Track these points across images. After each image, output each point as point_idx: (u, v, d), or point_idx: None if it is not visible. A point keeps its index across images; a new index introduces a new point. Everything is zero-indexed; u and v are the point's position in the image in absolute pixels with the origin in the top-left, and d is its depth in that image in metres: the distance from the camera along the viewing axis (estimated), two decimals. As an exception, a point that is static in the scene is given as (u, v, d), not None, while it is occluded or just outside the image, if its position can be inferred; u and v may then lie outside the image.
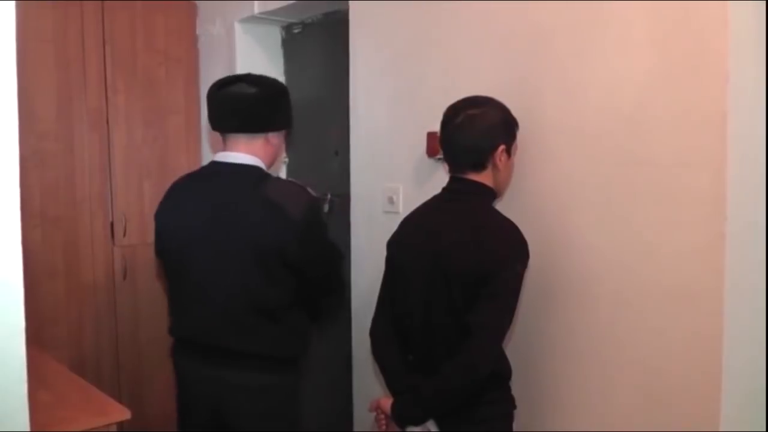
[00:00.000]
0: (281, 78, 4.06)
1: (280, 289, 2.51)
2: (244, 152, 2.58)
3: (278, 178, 2.67)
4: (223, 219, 2.51)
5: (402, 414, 2.28)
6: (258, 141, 2.59)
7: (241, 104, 2.57)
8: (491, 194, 2.29)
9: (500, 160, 2.24)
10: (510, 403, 2.35)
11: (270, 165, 2.66)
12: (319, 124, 3.86)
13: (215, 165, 2.63)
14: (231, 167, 2.58)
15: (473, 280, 2.12)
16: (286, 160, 4.06)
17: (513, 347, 2.45)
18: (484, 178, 2.26)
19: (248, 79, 2.61)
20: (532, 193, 2.46)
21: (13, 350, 1.25)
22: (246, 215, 2.49)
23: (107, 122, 3.93)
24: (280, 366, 2.60)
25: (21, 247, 1.25)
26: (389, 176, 3.04)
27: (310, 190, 2.58)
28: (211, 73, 4.08)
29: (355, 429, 3.36)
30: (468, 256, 2.14)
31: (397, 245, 2.42)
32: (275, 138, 2.63)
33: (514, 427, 2.37)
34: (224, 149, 2.62)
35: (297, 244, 2.45)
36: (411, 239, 2.35)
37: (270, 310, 2.52)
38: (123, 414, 2.57)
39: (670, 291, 2.11)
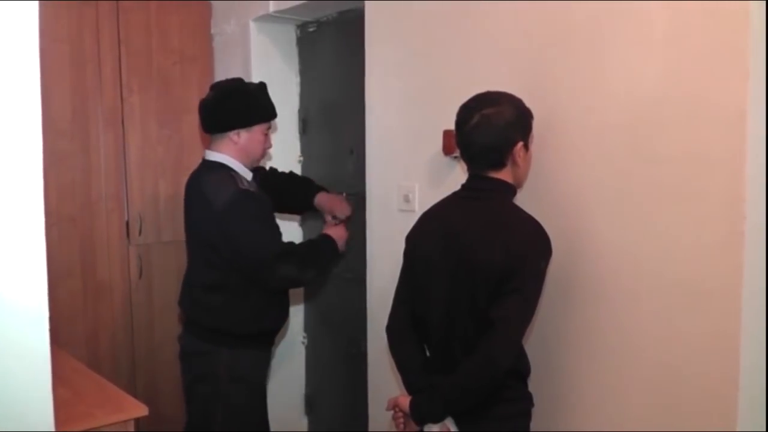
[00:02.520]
0: (295, 77, 4.08)
1: (209, 267, 3.03)
2: (213, 150, 3.08)
3: (217, 173, 3.01)
4: (187, 205, 3.16)
5: (421, 412, 2.27)
6: (223, 140, 3.06)
7: (203, 110, 3.09)
8: (512, 190, 2.29)
9: (519, 156, 2.23)
10: (528, 401, 2.34)
11: (247, 161, 3.10)
12: (334, 123, 3.86)
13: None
14: (204, 163, 3.11)
15: (497, 275, 2.11)
16: (301, 159, 4.07)
17: (530, 345, 2.44)
18: (504, 174, 2.25)
19: (214, 85, 3.18)
20: (548, 190, 2.46)
21: (38, 348, 1.26)
22: (189, 203, 3.12)
23: (122, 122, 3.96)
24: (210, 335, 3.04)
25: (45, 248, 1.26)
26: (405, 175, 3.03)
27: (241, 183, 2.96)
28: (226, 73, 4.08)
29: (370, 426, 3.35)
30: (492, 253, 2.13)
31: (417, 240, 2.41)
32: (238, 136, 3.04)
33: (531, 425, 2.37)
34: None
35: (215, 227, 2.91)
36: (432, 234, 2.34)
37: (205, 284, 3.05)
38: (140, 410, 2.59)
39: (687, 289, 2.09)
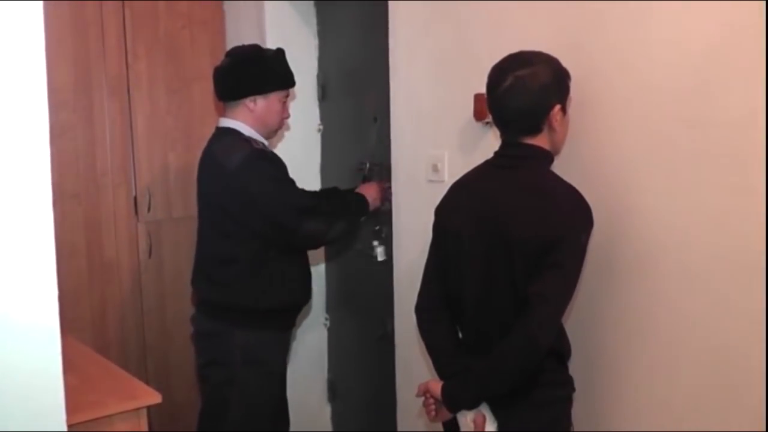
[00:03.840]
0: (314, 40, 4.05)
1: (222, 238, 3.07)
2: (228, 117, 3.13)
3: (230, 137, 3.07)
4: (199, 174, 3.18)
5: (454, 397, 2.27)
6: (237, 107, 3.11)
7: (217, 76, 3.15)
8: (549, 158, 2.27)
9: (556, 120, 2.21)
10: (569, 385, 2.33)
11: (264, 129, 3.16)
12: (355, 89, 3.84)
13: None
14: (217, 130, 3.16)
15: (535, 249, 2.10)
16: (321, 128, 4.06)
17: (571, 324, 2.43)
18: (540, 141, 2.23)
19: (230, 51, 3.23)
20: (589, 158, 2.43)
21: (48, 333, 1.27)
22: (202, 171, 3.16)
23: (128, 90, 3.95)
24: (224, 314, 3.08)
25: (53, 227, 1.26)
26: (433, 142, 3.02)
27: (256, 143, 3.06)
28: (238, 36, 4.07)
29: (399, 414, 3.36)
30: (530, 224, 2.11)
31: (447, 212, 2.39)
32: (254, 103, 3.09)
33: (573, 411, 2.36)
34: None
35: (230, 190, 2.97)
36: (464, 206, 2.32)
37: (218, 257, 3.09)
38: (153, 397, 2.60)
39: (742, 264, 2.06)
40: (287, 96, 3.18)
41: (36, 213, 1.23)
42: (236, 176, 2.93)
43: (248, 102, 3.07)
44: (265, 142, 3.15)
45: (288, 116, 3.22)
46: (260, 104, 3.08)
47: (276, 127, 3.20)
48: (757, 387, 2.04)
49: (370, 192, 3.30)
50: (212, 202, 3.10)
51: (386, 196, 3.39)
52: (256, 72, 3.08)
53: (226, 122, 3.12)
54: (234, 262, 3.04)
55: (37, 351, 1.26)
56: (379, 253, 3.61)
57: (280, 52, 3.15)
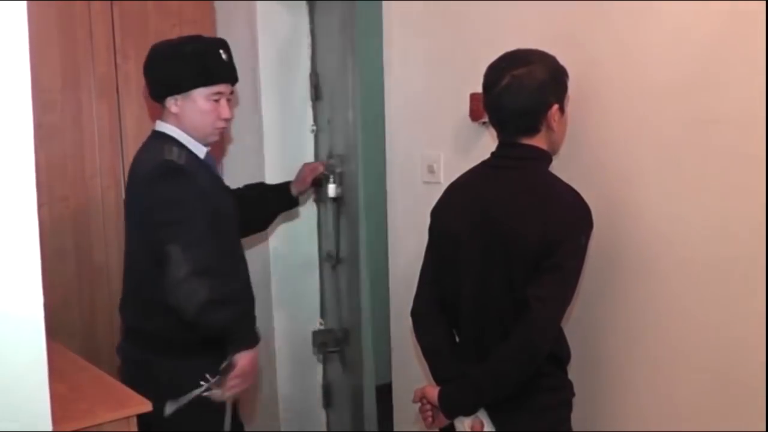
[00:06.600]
0: (306, 39, 4.04)
1: (143, 253, 2.79)
2: (158, 119, 2.89)
3: (155, 142, 2.83)
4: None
5: (451, 403, 2.27)
6: (164, 109, 2.85)
7: (144, 74, 2.91)
8: (547, 158, 2.27)
9: (554, 120, 2.22)
10: (569, 390, 2.33)
11: (196, 133, 2.84)
12: (347, 89, 3.84)
13: None
14: (150, 134, 2.92)
15: (533, 252, 2.10)
16: (314, 128, 4.05)
17: (570, 328, 2.43)
18: (538, 141, 2.23)
19: (152, 46, 2.90)
20: (589, 156, 2.44)
21: (33, 340, 1.26)
22: (128, 180, 2.95)
23: (117, 91, 3.93)
24: (150, 340, 2.83)
25: (38, 231, 1.25)
26: (429, 143, 3.03)
27: (169, 153, 2.73)
28: (230, 36, 4.02)
29: (396, 420, 3.35)
30: (528, 227, 2.12)
31: (444, 214, 2.39)
32: (175, 104, 2.80)
33: (573, 416, 2.36)
34: None
35: (135, 198, 2.82)
36: (460, 208, 2.32)
37: (138, 274, 2.86)
38: (144, 406, 2.58)
39: (745, 264, 2.07)
40: (219, 94, 2.82)
41: (21, 216, 1.22)
42: (143, 185, 2.73)
43: (169, 103, 2.80)
44: (202, 151, 2.87)
45: (229, 117, 2.89)
46: (182, 105, 2.79)
47: (209, 129, 2.86)
48: (758, 388, 2.05)
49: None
50: (130, 210, 2.95)
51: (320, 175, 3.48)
52: (170, 68, 2.79)
53: (160, 125, 2.86)
54: (158, 278, 2.62)
55: (22, 357, 1.25)
56: (331, 189, 3.63)
57: (209, 42, 2.92)
